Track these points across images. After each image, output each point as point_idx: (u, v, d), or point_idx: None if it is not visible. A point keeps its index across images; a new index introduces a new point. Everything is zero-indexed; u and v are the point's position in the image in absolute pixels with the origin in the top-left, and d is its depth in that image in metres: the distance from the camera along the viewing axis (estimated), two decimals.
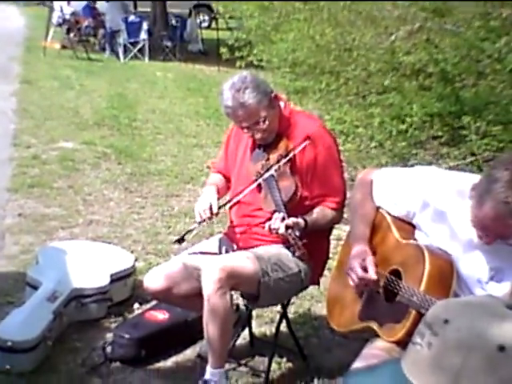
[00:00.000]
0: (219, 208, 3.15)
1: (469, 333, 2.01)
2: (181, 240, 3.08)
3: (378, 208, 2.70)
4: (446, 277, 2.37)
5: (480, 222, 2.29)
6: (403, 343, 2.33)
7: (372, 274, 2.50)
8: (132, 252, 4.58)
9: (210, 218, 3.12)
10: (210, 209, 3.12)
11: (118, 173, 6.67)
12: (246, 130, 3.15)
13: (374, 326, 2.50)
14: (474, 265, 2.39)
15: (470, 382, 1.58)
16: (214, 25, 19.14)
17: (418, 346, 2.15)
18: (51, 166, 6.71)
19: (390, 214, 2.66)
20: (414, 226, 2.60)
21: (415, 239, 2.57)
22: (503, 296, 2.32)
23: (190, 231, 3.12)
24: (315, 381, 3.35)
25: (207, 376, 3.02)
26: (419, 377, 1.66)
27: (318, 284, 3.36)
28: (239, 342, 3.56)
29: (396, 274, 2.49)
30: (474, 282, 2.39)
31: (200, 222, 3.12)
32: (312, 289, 3.58)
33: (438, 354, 1.77)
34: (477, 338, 1.98)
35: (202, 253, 3.22)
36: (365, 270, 2.52)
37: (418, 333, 2.18)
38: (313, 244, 2.98)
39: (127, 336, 3.48)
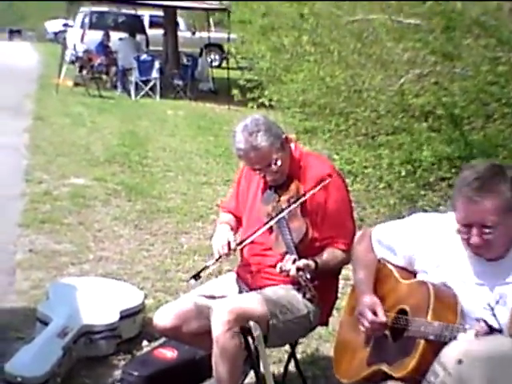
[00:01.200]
0: (237, 245, 3.15)
1: (482, 377, 2.05)
2: (197, 276, 3.04)
3: (379, 259, 2.77)
4: (451, 304, 2.44)
5: (461, 222, 2.39)
6: (414, 379, 2.36)
7: (381, 317, 2.56)
8: (141, 289, 4.59)
9: (227, 255, 3.12)
10: (228, 245, 3.13)
11: (128, 210, 6.72)
12: (258, 172, 3.20)
13: (384, 367, 2.52)
14: (477, 296, 2.44)
15: None
16: (224, 64, 19.36)
17: None
18: (62, 202, 6.77)
19: (391, 263, 2.73)
20: (414, 273, 2.66)
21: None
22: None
23: (206, 267, 3.09)
24: None
25: None
26: None
27: (327, 324, 3.38)
28: (247, 381, 3.56)
29: (403, 313, 2.55)
30: (481, 309, 2.42)
31: (218, 259, 3.11)
32: (320, 328, 3.58)
33: None
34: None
35: (212, 297, 3.21)
36: (374, 313, 2.58)
37: (432, 372, 2.22)
38: (322, 284, 3.00)
39: (136, 373, 3.47)
